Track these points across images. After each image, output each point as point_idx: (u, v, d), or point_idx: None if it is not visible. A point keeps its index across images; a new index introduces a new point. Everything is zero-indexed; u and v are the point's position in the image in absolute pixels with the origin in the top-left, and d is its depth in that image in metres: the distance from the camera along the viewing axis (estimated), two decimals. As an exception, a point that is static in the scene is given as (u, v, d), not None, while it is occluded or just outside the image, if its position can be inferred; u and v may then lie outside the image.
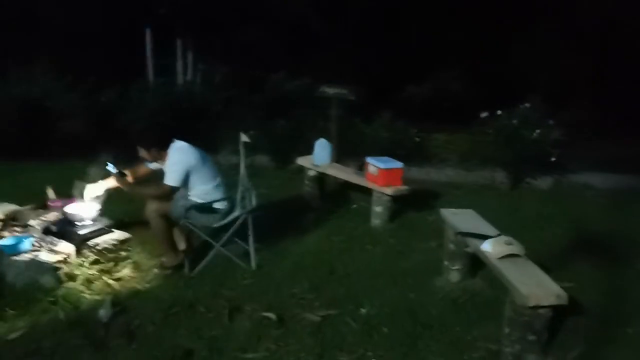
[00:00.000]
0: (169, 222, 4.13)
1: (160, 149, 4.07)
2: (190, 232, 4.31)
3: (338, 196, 6.05)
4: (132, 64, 9.33)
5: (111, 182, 4.21)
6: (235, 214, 4.21)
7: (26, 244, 3.86)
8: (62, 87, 8.11)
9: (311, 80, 9.18)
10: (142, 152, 4.11)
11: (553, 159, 6.23)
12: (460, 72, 9.13)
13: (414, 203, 5.46)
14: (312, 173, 5.81)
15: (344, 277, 4.12)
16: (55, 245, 3.99)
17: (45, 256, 3.83)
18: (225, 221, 4.18)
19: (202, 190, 4.12)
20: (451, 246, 3.82)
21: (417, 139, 7.31)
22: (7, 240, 3.93)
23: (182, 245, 4.35)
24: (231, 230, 4.17)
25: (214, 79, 9.96)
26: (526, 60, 9.12)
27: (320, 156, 5.69)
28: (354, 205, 5.82)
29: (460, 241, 3.70)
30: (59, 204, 4.60)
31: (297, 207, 5.68)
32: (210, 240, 4.19)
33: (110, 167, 4.07)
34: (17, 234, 4.14)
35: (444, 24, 9.67)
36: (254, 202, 4.22)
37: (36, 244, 3.97)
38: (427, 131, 7.61)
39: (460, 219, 3.76)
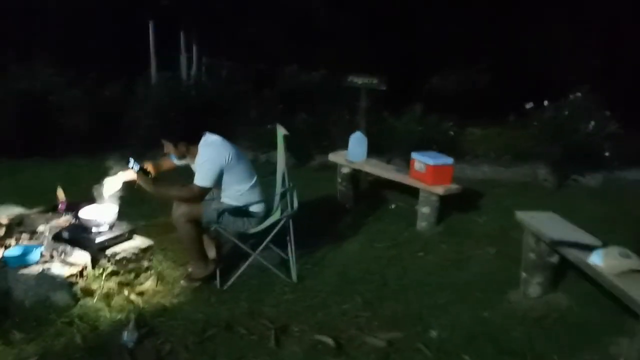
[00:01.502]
0: (199, 227, 3.59)
1: (190, 143, 3.53)
2: (221, 238, 3.78)
3: (373, 196, 5.52)
4: (135, 57, 8.78)
5: (130, 175, 3.65)
6: (274, 218, 3.68)
7: (35, 255, 3.33)
8: (64, 81, 7.60)
9: (327, 72, 8.73)
10: (168, 147, 3.57)
11: (607, 154, 5.67)
12: (488, 63, 8.57)
13: (457, 203, 4.92)
14: (345, 170, 5.27)
15: (399, 291, 3.59)
16: (68, 255, 3.46)
17: (57, 269, 3.30)
18: (263, 226, 3.64)
19: (237, 191, 3.59)
20: (531, 255, 3.29)
21: (451, 133, 6.76)
22: (14, 250, 3.40)
23: (212, 254, 3.83)
24: (270, 237, 3.63)
25: (221, 73, 9.40)
26: (557, 51, 8.56)
27: (355, 152, 5.16)
28: (392, 206, 5.29)
29: (543, 250, 3.17)
30: (70, 206, 4.05)
31: (329, 209, 5.15)
32: (246, 248, 3.66)
33: (132, 163, 3.52)
34: (24, 242, 3.59)
35: (468, 11, 9.10)
36: (295, 204, 3.68)
37: (46, 254, 3.44)
38: (460, 125, 7.05)
39: (545, 224, 3.23)
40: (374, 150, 5.79)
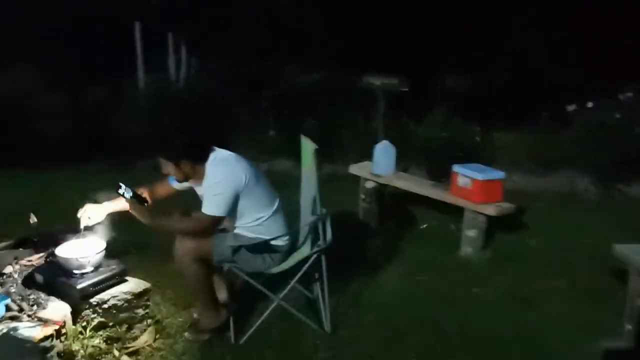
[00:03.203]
0: (208, 267, 2.83)
1: (195, 161, 2.77)
2: (235, 278, 3.03)
3: (399, 213, 4.79)
4: (120, 59, 7.99)
5: (119, 205, 2.90)
6: (302, 253, 2.93)
7: (-1, 310, 2.54)
8: (43, 85, 6.80)
9: (329, 72, 8.01)
10: (167, 167, 2.81)
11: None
12: (509, 61, 7.87)
13: (496, 220, 4.19)
14: (370, 185, 4.54)
15: (465, 345, 2.87)
16: (42, 307, 2.69)
17: (27, 329, 2.51)
18: (288, 265, 2.90)
19: (256, 220, 2.85)
20: (640, 303, 2.57)
21: (478, 139, 6.06)
22: None
23: (222, 296, 3.09)
24: (297, 277, 2.89)
25: (212, 75, 8.62)
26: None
27: (382, 164, 4.43)
28: (424, 225, 4.58)
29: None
30: (45, 236, 3.27)
31: (353, 230, 4.40)
32: (266, 292, 2.91)
33: (123, 189, 2.76)
34: (-15, 289, 2.81)
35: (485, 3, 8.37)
36: (329, 235, 2.93)
37: (14, 306, 2.65)
38: (485, 129, 6.35)
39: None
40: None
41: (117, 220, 3.06)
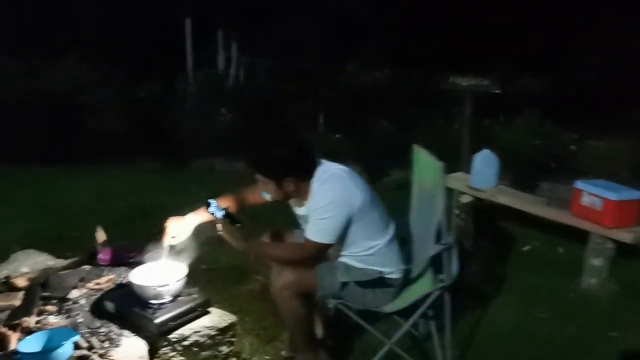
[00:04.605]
0: (310, 303, 2.35)
1: (302, 178, 2.28)
2: (335, 314, 2.54)
3: (495, 231, 4.23)
4: (170, 56, 7.68)
5: (204, 216, 2.44)
6: (421, 288, 2.42)
7: (66, 350, 2.10)
8: (97, 80, 6.62)
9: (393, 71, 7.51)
10: (266, 185, 2.33)
11: None
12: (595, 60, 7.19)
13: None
14: (466, 199, 3.99)
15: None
16: (114, 343, 2.25)
17: (98, 374, 2.08)
18: (406, 303, 2.39)
19: (369, 249, 2.36)
20: None
21: (573, 148, 5.43)
22: (34, 340, 2.17)
23: (318, 331, 2.59)
24: (414, 318, 2.38)
25: (263, 73, 8.18)
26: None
27: (482, 175, 3.89)
28: (527, 247, 4.01)
29: None
30: (114, 254, 2.85)
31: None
32: (376, 333, 2.41)
33: (213, 208, 2.30)
34: (50, 321, 2.38)
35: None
36: (455, 268, 2.41)
37: (83, 342, 2.22)
38: (579, 136, 5.73)
39: None
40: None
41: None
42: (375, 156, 5.81)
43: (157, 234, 3.93)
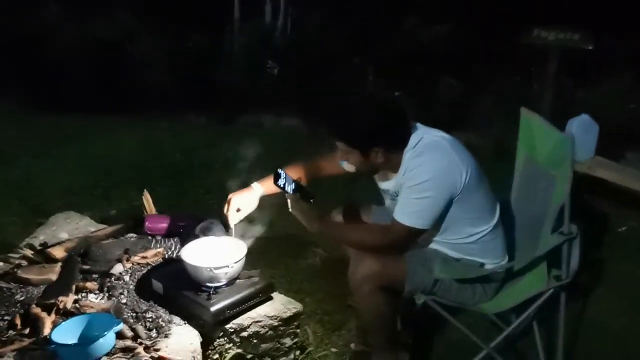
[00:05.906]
0: (395, 299, 1.93)
1: (393, 148, 1.83)
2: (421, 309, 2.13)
3: (585, 209, 3.70)
4: (214, 7, 7.22)
5: (271, 186, 2.01)
6: (532, 286, 1.98)
7: (108, 341, 1.76)
8: (144, 30, 6.32)
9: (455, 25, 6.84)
10: (348, 155, 1.89)
11: None
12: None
13: None
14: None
15: None
16: (163, 333, 1.90)
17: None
18: (514, 302, 1.96)
19: (470, 236, 1.92)
20: None
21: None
22: (69, 326, 1.83)
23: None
24: (518, 322, 1.95)
25: (312, 26, 7.60)
26: None
27: (579, 145, 3.32)
28: (623, 228, 3.51)
29: None
30: (159, 224, 2.49)
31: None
32: (473, 337, 2.00)
33: (284, 180, 1.89)
34: (88, 302, 2.04)
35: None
36: (574, 264, 1.95)
37: (127, 331, 1.87)
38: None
39: None
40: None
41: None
42: (444, 116, 5.30)
43: (205, 194, 3.60)
